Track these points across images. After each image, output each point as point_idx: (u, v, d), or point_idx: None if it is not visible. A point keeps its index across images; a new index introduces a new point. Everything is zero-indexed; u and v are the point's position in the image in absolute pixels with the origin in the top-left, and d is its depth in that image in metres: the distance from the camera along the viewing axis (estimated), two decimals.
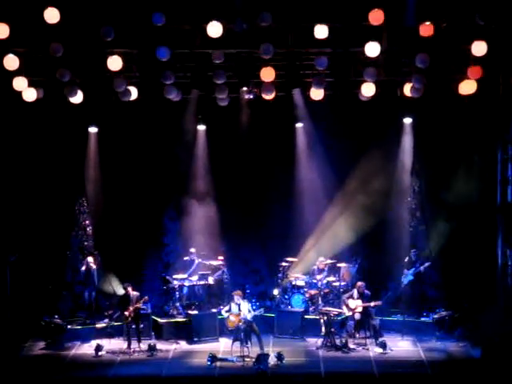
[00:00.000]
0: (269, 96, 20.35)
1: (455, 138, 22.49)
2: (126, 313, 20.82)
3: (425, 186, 23.00)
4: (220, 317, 21.59)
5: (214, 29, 18.83)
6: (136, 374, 19.01)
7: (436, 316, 21.75)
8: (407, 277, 22.23)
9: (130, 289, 21.04)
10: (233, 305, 20.40)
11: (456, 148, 22.57)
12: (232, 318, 20.28)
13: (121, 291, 21.86)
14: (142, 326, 20.98)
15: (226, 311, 20.51)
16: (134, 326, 20.84)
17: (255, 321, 20.31)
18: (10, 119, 21.83)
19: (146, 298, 21.20)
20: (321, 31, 18.92)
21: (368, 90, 19.97)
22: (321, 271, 22.81)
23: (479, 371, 18.66)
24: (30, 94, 19.99)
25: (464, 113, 21.83)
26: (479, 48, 19.03)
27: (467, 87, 19.78)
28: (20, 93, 19.91)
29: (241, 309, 20.22)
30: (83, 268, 22.31)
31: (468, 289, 22.14)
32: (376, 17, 18.65)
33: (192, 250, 23.04)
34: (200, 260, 22.97)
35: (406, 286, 22.22)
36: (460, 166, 22.49)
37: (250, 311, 20.24)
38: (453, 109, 21.66)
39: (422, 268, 22.15)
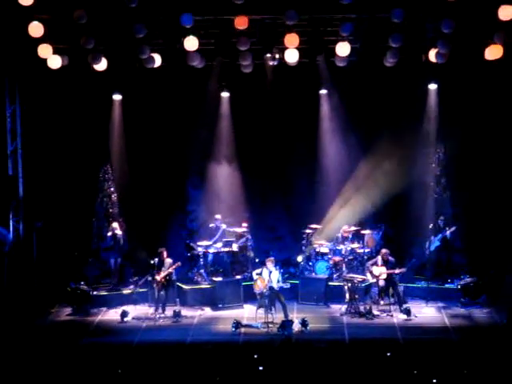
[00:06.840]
0: (293, 62, 20.28)
1: (480, 103, 22.34)
2: (158, 277, 20.83)
3: (450, 152, 22.87)
4: (244, 283, 21.70)
5: None
6: (161, 339, 19.10)
7: (461, 282, 21.71)
8: (434, 243, 22.17)
9: (164, 253, 21.06)
10: (265, 270, 20.31)
11: (481, 113, 22.42)
12: (259, 282, 20.29)
13: (145, 257, 22.01)
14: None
15: (257, 274, 20.46)
16: (162, 292, 20.88)
17: (281, 291, 20.31)
18: (34, 87, 21.92)
19: (179, 263, 21.11)
20: None
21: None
22: (345, 239, 22.82)
23: (504, 337, 18.63)
24: (54, 62, 20.04)
25: (489, 78, 21.66)
26: (506, 12, 18.81)
27: (493, 52, 19.61)
28: (44, 60, 19.95)
29: (271, 276, 20.23)
30: (109, 234, 22.37)
31: (493, 255, 22.10)
32: None
33: (217, 216, 23.05)
34: (225, 227, 23.03)
35: (432, 253, 22.15)
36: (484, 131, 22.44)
37: (278, 281, 20.22)
38: (478, 74, 21.49)
39: (448, 233, 22.10)
